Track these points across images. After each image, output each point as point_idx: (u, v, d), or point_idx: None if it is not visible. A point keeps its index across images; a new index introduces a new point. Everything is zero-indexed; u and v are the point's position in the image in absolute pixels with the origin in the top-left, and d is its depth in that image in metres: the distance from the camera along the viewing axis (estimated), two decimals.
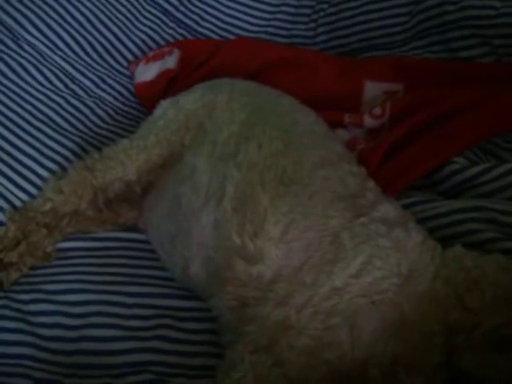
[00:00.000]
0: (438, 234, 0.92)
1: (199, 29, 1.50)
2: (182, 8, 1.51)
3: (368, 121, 1.22)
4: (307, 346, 0.73)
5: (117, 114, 1.32)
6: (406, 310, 0.76)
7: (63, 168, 1.12)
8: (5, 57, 1.24)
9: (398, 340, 0.74)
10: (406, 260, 0.78)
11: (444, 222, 0.95)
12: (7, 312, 0.93)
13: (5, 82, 1.21)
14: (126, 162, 1.02)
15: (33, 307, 0.94)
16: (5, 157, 1.10)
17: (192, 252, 0.89)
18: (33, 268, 1.01)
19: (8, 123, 1.14)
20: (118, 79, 1.39)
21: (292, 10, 1.47)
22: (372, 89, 1.28)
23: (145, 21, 1.48)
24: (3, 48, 1.26)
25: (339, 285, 0.76)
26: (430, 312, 0.76)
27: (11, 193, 1.07)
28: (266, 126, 0.93)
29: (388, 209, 0.85)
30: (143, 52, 1.45)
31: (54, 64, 1.32)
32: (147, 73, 1.37)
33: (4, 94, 1.19)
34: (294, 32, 1.46)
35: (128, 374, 0.87)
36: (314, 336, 0.74)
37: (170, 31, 1.49)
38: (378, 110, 1.22)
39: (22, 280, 0.99)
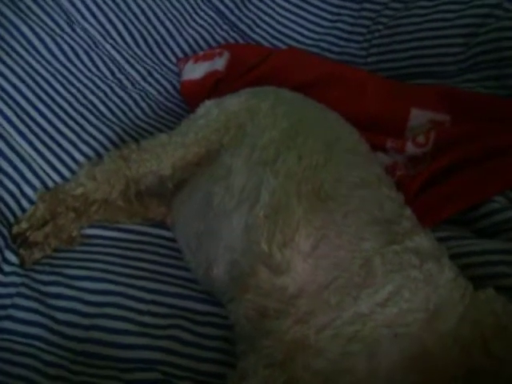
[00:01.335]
0: (469, 273, 0.89)
1: (252, 34, 1.50)
2: (236, 12, 1.51)
3: (410, 148, 1.19)
4: (323, 368, 0.71)
5: (159, 108, 1.32)
6: (429, 346, 0.73)
7: (99, 155, 1.12)
8: (57, 39, 1.25)
9: (416, 375, 0.72)
10: (435, 295, 0.75)
11: (476, 261, 0.92)
12: (25, 290, 0.93)
13: (55, 64, 1.22)
14: (161, 157, 1.02)
15: (51, 289, 0.95)
16: (44, 137, 1.11)
17: (218, 253, 0.87)
18: (56, 250, 1.01)
19: (52, 105, 1.15)
20: (164, 74, 1.39)
21: (347, 28, 1.46)
22: (418, 116, 1.25)
23: (199, 20, 1.48)
24: (57, 30, 1.27)
25: (364, 311, 0.73)
26: (452, 352, 0.73)
27: (45, 173, 1.08)
28: (308, 138, 0.91)
29: (423, 240, 0.82)
30: (193, 50, 1.45)
31: (104, 52, 1.33)
32: (195, 72, 1.37)
33: (53, 75, 1.19)
34: (347, 50, 1.45)
35: (135, 370, 0.86)
36: (331, 359, 0.71)
37: (223, 33, 1.49)
38: (421, 139, 1.19)
39: (44, 261, 0.99)
